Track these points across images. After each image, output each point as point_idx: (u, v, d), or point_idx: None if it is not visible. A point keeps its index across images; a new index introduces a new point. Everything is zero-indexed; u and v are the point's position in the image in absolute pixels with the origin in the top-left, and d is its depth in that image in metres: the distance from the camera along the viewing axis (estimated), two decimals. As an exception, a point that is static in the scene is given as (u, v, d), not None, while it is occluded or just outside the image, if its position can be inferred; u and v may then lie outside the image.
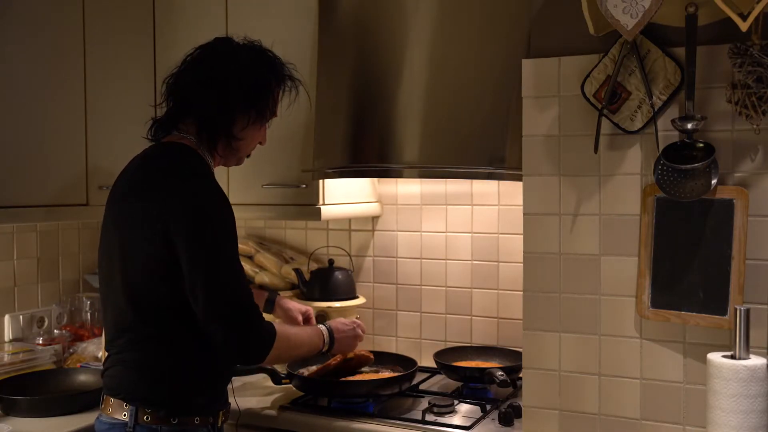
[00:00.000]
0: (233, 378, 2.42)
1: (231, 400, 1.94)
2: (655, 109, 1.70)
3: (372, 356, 2.27)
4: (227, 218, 1.72)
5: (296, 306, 2.21)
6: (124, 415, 1.72)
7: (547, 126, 1.83)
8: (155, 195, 1.71)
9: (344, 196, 2.49)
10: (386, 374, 2.29)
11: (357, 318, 2.22)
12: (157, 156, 1.82)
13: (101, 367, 2.36)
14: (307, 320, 2.20)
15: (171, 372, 1.73)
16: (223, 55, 1.83)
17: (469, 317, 2.59)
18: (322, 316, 2.42)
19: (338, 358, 2.22)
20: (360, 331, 2.13)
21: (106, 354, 1.82)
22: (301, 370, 2.29)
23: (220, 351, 1.72)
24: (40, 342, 2.53)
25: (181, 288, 1.68)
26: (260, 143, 1.94)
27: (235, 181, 2.47)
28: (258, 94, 1.83)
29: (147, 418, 1.70)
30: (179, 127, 1.83)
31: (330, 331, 2.01)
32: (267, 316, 2.17)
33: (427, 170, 2.18)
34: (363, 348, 2.46)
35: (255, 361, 1.80)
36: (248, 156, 1.95)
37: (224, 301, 1.69)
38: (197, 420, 1.74)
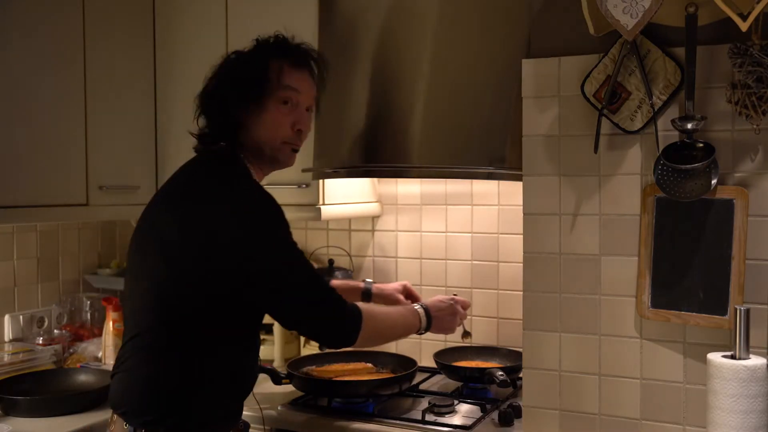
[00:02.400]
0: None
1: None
2: (655, 109, 1.70)
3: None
4: (280, 218, 1.67)
5: (391, 287, 2.19)
6: None
7: (547, 126, 1.83)
8: (198, 201, 1.65)
9: (344, 196, 2.49)
10: (386, 374, 2.29)
11: (455, 295, 2.16)
12: (199, 163, 1.76)
13: (101, 367, 2.38)
14: (408, 295, 2.18)
15: (178, 386, 1.64)
16: (226, 60, 1.78)
17: (469, 317, 2.58)
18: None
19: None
20: (459, 307, 2.07)
21: (117, 356, 1.74)
22: (302, 370, 2.29)
23: (309, 339, 1.73)
24: (40, 342, 2.53)
25: (216, 295, 1.61)
26: (300, 130, 1.76)
27: (235, 181, 2.47)
28: (247, 81, 1.71)
29: None
30: (215, 138, 1.77)
31: (426, 309, 1.96)
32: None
33: (427, 170, 2.18)
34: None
35: (346, 345, 1.74)
36: (287, 152, 1.78)
37: (304, 301, 1.67)
38: None
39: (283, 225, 1.67)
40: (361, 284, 2.20)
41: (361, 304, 1.76)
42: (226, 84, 1.74)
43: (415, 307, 1.97)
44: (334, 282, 2.18)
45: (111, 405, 1.70)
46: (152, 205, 1.77)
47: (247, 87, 1.71)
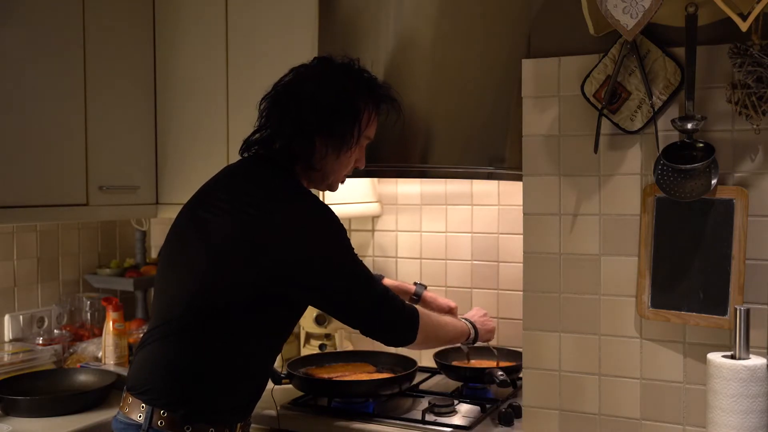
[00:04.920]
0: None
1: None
2: (655, 109, 1.70)
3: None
4: (337, 225, 1.70)
5: (440, 301, 2.26)
6: (140, 416, 1.66)
7: (547, 126, 1.83)
8: (256, 204, 1.66)
9: (344, 196, 2.48)
10: (386, 374, 2.29)
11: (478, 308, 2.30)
12: (255, 166, 1.78)
13: (101, 367, 2.38)
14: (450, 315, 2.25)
15: (202, 373, 1.67)
16: (306, 78, 1.77)
17: (469, 317, 2.59)
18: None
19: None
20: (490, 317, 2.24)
21: (141, 339, 1.76)
22: (302, 370, 2.29)
23: (370, 338, 1.80)
24: (40, 342, 2.52)
25: (258, 295, 1.65)
26: (357, 167, 1.87)
27: (235, 181, 2.47)
28: (338, 120, 1.74)
29: (161, 422, 1.64)
30: (269, 149, 1.79)
31: (473, 323, 2.10)
32: None
33: (427, 170, 2.18)
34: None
35: (404, 344, 1.83)
36: (342, 182, 1.87)
37: (363, 304, 1.73)
38: (211, 430, 1.69)
39: (342, 231, 1.71)
40: (412, 287, 2.27)
41: (417, 307, 1.84)
42: (310, 112, 1.72)
43: (463, 320, 2.09)
44: (386, 281, 2.25)
45: (128, 387, 1.73)
46: (199, 200, 1.77)
47: (337, 131, 1.75)
